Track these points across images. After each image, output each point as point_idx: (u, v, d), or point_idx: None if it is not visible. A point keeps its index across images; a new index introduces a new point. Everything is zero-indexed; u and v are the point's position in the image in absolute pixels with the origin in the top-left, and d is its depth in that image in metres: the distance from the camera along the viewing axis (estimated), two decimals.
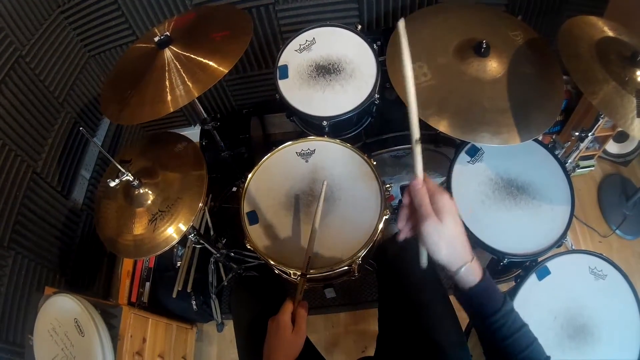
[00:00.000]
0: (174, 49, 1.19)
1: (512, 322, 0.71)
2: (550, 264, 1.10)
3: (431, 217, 0.67)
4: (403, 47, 0.67)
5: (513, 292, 1.08)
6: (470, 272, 0.70)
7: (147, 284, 1.57)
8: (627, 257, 1.72)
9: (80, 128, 1.08)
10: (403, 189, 1.45)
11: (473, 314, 0.75)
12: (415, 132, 0.68)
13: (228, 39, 1.21)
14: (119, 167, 1.09)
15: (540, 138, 1.22)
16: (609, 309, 1.05)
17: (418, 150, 0.68)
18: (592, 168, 1.87)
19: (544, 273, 1.09)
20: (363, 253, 1.02)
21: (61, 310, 1.24)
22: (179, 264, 1.57)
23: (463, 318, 1.07)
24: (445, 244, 0.68)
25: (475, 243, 1.12)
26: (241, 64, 1.87)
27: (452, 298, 1.09)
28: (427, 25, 1.28)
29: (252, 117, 1.88)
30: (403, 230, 0.74)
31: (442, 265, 0.70)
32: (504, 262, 1.12)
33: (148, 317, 1.43)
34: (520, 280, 1.10)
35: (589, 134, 1.29)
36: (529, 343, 0.71)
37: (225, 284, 1.66)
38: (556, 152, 1.25)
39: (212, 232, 1.60)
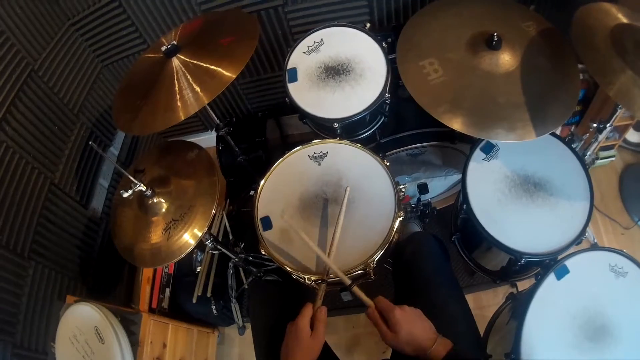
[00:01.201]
0: (182, 57, 1.20)
1: None
2: (569, 263, 1.06)
3: (387, 334, 0.83)
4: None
5: (531, 293, 1.05)
6: (441, 345, 0.81)
7: (167, 290, 1.59)
8: None
9: (90, 142, 1.09)
10: (421, 187, 1.43)
11: None
12: (346, 280, 0.91)
13: (235, 43, 1.21)
14: (131, 178, 1.10)
15: (559, 130, 1.19)
16: (630, 308, 1.00)
17: (356, 290, 0.89)
18: (613, 158, 1.81)
19: (562, 272, 1.06)
20: (378, 256, 1.01)
21: (81, 318, 1.26)
22: (198, 269, 1.58)
23: (484, 316, 1.06)
24: (407, 345, 0.81)
25: (492, 243, 1.09)
26: (254, 67, 1.87)
27: (468, 297, 1.08)
28: (437, 19, 1.26)
29: (268, 120, 1.88)
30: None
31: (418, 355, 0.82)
32: (521, 262, 1.10)
33: (168, 323, 1.45)
34: (538, 281, 1.07)
35: (607, 125, 1.25)
36: None
37: (246, 287, 1.67)
38: (574, 145, 1.22)
39: (230, 236, 1.61)
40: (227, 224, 1.67)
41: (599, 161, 1.79)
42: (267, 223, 1.10)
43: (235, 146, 1.58)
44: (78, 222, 1.59)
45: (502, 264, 1.29)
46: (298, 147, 1.21)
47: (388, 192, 1.10)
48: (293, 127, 1.85)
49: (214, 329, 1.75)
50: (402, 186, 1.11)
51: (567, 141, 1.21)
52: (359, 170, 1.15)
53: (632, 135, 1.80)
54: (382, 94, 1.23)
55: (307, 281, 1.01)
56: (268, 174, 1.18)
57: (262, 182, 1.17)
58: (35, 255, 1.37)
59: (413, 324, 0.83)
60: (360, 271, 1.01)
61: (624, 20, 1.05)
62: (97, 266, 1.65)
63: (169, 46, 1.20)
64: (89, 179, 1.67)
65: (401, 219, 1.05)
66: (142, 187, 1.11)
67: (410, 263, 1.08)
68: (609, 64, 0.97)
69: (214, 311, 1.61)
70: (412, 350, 0.81)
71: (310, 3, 1.60)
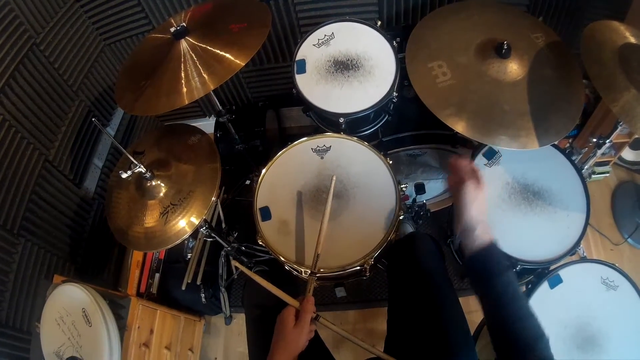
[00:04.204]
0: (190, 40, 1.18)
1: (516, 285, 0.81)
2: (562, 272, 1.09)
3: (473, 181, 0.88)
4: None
5: None
6: (485, 231, 0.86)
7: (157, 275, 1.57)
8: (638, 267, 1.70)
9: (93, 119, 1.07)
10: (417, 187, 1.44)
11: (482, 277, 0.84)
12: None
13: (246, 30, 1.19)
14: (131, 158, 1.08)
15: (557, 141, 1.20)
16: (619, 320, 1.03)
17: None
18: (608, 174, 1.84)
19: (556, 281, 1.08)
20: (376, 254, 1.01)
21: (69, 299, 1.24)
22: (189, 256, 1.56)
23: (472, 321, 1.07)
24: (477, 203, 0.87)
25: None
26: (258, 57, 1.86)
27: (461, 300, 1.08)
28: (448, 23, 1.26)
29: (267, 110, 1.87)
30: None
31: (465, 224, 0.87)
32: (517, 268, 1.11)
33: (156, 309, 1.43)
34: (531, 287, 1.08)
35: (607, 141, 1.27)
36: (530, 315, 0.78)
37: (235, 277, 1.66)
38: (573, 158, 1.23)
39: (224, 225, 1.59)
40: (221, 212, 1.66)
41: (594, 176, 1.81)
42: (266, 213, 1.10)
43: (235, 134, 1.57)
44: (70, 201, 1.57)
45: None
46: (302, 139, 1.21)
47: (389, 190, 1.10)
48: (292, 120, 1.85)
49: (201, 317, 1.74)
50: (403, 185, 1.11)
51: (567, 153, 1.22)
52: (362, 166, 1.15)
53: (627, 154, 1.83)
54: (389, 92, 1.23)
55: (303, 274, 1.01)
56: (270, 163, 1.18)
57: (263, 171, 1.16)
58: (25, 232, 1.35)
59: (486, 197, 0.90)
60: (357, 267, 1.01)
61: (632, 40, 1.07)
62: (86, 247, 1.63)
63: (178, 27, 1.18)
64: (83, 158, 1.64)
65: (401, 217, 1.05)
66: (142, 169, 1.09)
67: (407, 262, 1.08)
68: (614, 81, 0.98)
69: (203, 299, 1.60)
70: (476, 212, 0.87)
71: None
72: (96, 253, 1.68)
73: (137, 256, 1.57)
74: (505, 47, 1.11)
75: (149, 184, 1.14)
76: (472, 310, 1.67)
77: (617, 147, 1.74)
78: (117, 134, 1.86)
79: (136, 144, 1.34)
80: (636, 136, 1.65)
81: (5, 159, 1.29)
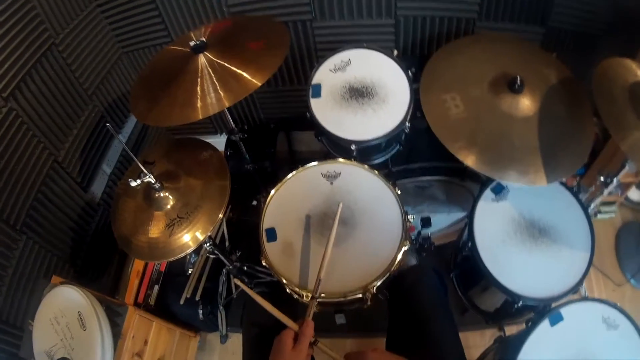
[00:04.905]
0: (209, 55, 1.20)
1: None
2: (564, 310, 1.07)
3: None
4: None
5: (524, 336, 1.06)
6: None
7: (156, 287, 1.56)
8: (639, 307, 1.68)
9: (107, 124, 1.06)
10: (424, 220, 1.44)
11: None
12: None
13: (264, 50, 1.21)
14: (142, 167, 1.09)
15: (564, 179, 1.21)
16: (619, 358, 1.02)
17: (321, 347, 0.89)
18: (613, 215, 1.83)
19: (556, 319, 1.07)
20: (378, 283, 1.01)
21: (66, 301, 1.23)
22: (190, 270, 1.56)
23: (470, 356, 1.06)
24: None
25: (492, 283, 1.10)
26: (273, 78, 1.87)
27: (460, 335, 1.07)
28: (463, 56, 1.28)
29: (279, 132, 1.87)
30: None
31: None
32: (518, 304, 1.10)
33: (152, 320, 1.42)
34: (532, 324, 1.07)
35: (614, 179, 1.27)
36: None
37: (235, 296, 1.65)
38: (580, 196, 1.23)
39: (227, 243, 1.59)
40: (225, 230, 1.66)
41: (600, 215, 1.81)
42: (272, 235, 1.09)
43: (246, 153, 1.57)
44: (75, 204, 1.57)
45: (496, 305, 1.29)
46: (313, 163, 1.21)
47: (396, 220, 1.10)
48: (303, 144, 1.85)
49: (197, 333, 1.72)
50: (409, 216, 1.11)
51: (574, 191, 1.22)
52: (370, 194, 1.14)
53: (633, 193, 1.83)
54: (403, 122, 1.23)
55: (304, 298, 1.00)
56: (279, 185, 1.18)
57: (272, 192, 1.16)
58: (28, 230, 1.35)
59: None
60: (359, 295, 1.00)
61: None
62: (87, 251, 1.62)
63: (197, 42, 1.20)
64: (92, 163, 1.65)
65: (406, 248, 1.05)
66: (152, 179, 1.09)
67: (410, 293, 1.07)
68: (624, 119, 0.98)
69: (200, 315, 1.58)
70: None
71: (339, 22, 1.61)
72: (97, 258, 1.68)
73: (137, 266, 1.56)
74: (519, 83, 1.11)
75: (157, 195, 1.15)
76: (471, 345, 1.66)
77: (624, 186, 1.74)
78: (128, 143, 1.88)
79: (147, 153, 1.35)
80: None
81: (15, 154, 1.30)
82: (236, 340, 1.75)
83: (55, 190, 1.47)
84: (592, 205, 1.38)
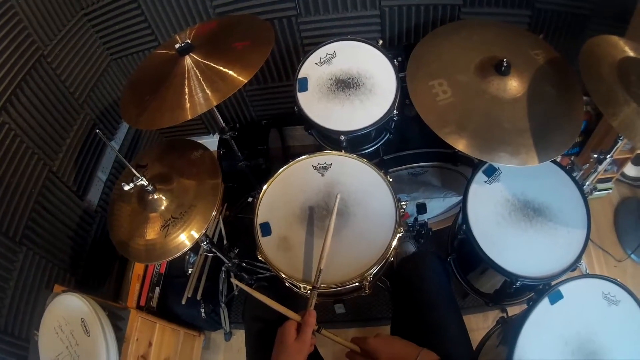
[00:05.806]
0: (195, 56, 1.20)
1: None
2: (563, 288, 1.07)
3: None
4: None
5: (524, 316, 1.06)
6: (426, 356, 0.81)
7: (157, 289, 1.57)
8: None
9: (97, 131, 1.08)
10: (419, 207, 1.44)
11: None
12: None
13: (249, 48, 1.21)
14: (134, 171, 1.09)
15: (559, 159, 1.21)
16: (621, 335, 1.01)
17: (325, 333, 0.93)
18: (610, 191, 1.83)
19: (556, 297, 1.07)
20: (375, 270, 1.01)
21: (69, 308, 1.24)
22: (190, 271, 1.56)
23: (474, 339, 1.06)
24: None
25: (489, 265, 1.10)
26: (262, 75, 1.88)
27: (464, 318, 1.08)
28: (448, 41, 1.27)
29: (271, 129, 1.88)
30: None
31: None
32: (517, 284, 1.10)
33: (155, 322, 1.43)
34: (532, 304, 1.07)
35: (608, 156, 1.27)
36: None
37: (236, 293, 1.65)
38: (574, 174, 1.23)
39: (225, 241, 1.60)
40: (222, 228, 1.66)
41: (596, 192, 1.80)
42: (266, 229, 1.10)
43: (238, 151, 1.58)
44: (73, 213, 1.58)
45: (496, 287, 1.30)
46: (303, 157, 1.21)
47: (389, 207, 1.10)
48: (295, 139, 1.86)
49: (200, 333, 1.73)
50: (403, 203, 1.11)
51: (568, 169, 1.22)
52: (362, 184, 1.15)
53: (630, 169, 1.83)
54: (390, 110, 1.24)
55: (302, 290, 1.01)
56: (271, 180, 1.18)
57: (264, 187, 1.17)
58: (27, 241, 1.36)
59: (390, 345, 0.85)
60: (356, 284, 1.01)
61: (631, 53, 1.07)
62: (87, 259, 1.63)
63: (183, 44, 1.20)
64: (87, 171, 1.66)
65: (400, 235, 1.05)
66: (144, 182, 1.10)
67: (412, 280, 1.07)
68: (614, 96, 0.98)
69: (202, 315, 1.59)
70: None
71: (324, 16, 1.61)
72: (97, 266, 1.69)
73: (138, 269, 1.57)
74: (505, 65, 1.12)
75: (150, 197, 1.15)
76: (474, 328, 1.67)
77: (619, 163, 1.74)
78: (122, 149, 1.89)
79: (140, 157, 1.35)
80: (638, 152, 1.65)
81: (10, 167, 1.31)
82: (240, 337, 1.76)
83: (52, 200, 1.48)
84: (587, 183, 1.38)
